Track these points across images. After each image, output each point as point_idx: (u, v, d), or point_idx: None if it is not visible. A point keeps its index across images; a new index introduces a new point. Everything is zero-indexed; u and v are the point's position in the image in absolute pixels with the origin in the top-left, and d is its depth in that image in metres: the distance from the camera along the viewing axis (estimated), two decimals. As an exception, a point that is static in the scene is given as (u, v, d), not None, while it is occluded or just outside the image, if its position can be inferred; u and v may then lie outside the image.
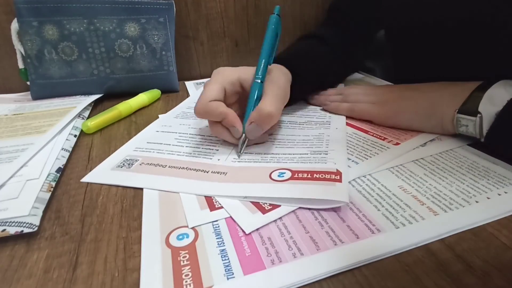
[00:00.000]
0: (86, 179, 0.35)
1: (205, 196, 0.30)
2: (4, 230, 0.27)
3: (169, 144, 0.40)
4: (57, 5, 0.52)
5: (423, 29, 0.43)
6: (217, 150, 0.38)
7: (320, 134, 0.40)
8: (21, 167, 0.35)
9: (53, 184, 0.33)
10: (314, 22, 0.73)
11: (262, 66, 0.37)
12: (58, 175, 0.35)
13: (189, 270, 0.23)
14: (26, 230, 0.27)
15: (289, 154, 0.36)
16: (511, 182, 0.30)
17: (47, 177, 0.33)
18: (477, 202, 0.28)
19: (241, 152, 0.36)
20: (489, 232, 0.25)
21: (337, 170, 0.31)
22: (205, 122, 0.44)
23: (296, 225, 0.27)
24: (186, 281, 0.22)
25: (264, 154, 0.36)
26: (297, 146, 0.38)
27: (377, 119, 0.42)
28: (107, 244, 0.26)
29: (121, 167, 0.36)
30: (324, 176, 0.30)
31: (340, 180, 0.30)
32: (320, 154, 0.35)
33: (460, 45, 0.40)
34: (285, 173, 0.32)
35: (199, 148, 0.38)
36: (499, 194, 0.29)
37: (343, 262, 0.23)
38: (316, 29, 0.60)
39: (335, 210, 0.28)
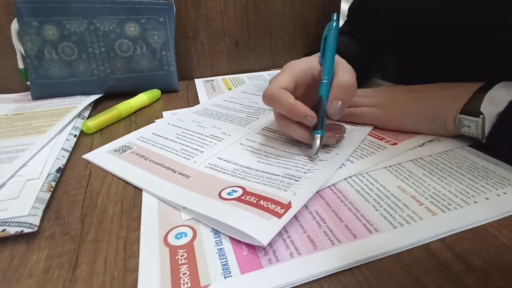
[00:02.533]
0: (87, 156, 0.39)
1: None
2: (4, 230, 0.27)
3: (167, 139, 0.41)
4: (57, 5, 0.53)
5: (427, 30, 0.43)
6: (202, 152, 0.38)
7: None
8: (21, 167, 0.35)
9: (53, 184, 0.33)
10: (314, 22, 0.73)
11: (328, 68, 0.36)
12: (58, 175, 0.35)
13: (187, 268, 0.23)
14: (26, 230, 0.27)
15: (262, 171, 0.33)
16: (510, 183, 0.30)
17: (47, 177, 0.33)
18: (475, 202, 0.28)
19: (319, 150, 0.33)
20: (489, 232, 0.25)
21: (289, 202, 0.28)
22: (216, 122, 0.45)
23: (294, 224, 0.27)
24: (183, 280, 0.23)
25: (240, 166, 0.35)
26: (277, 164, 0.34)
27: (379, 123, 0.41)
28: (107, 244, 0.26)
29: (116, 151, 0.39)
30: (269, 205, 0.28)
31: (281, 215, 0.26)
32: (290, 179, 0.31)
33: (463, 46, 0.40)
34: (237, 191, 0.30)
35: (188, 147, 0.39)
36: (498, 195, 0.29)
37: (340, 261, 0.23)
38: (341, 27, 0.60)
39: (333, 209, 0.28)
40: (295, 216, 0.28)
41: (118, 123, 0.48)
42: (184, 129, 0.44)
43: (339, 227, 0.26)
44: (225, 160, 0.36)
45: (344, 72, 0.36)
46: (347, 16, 0.63)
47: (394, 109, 0.41)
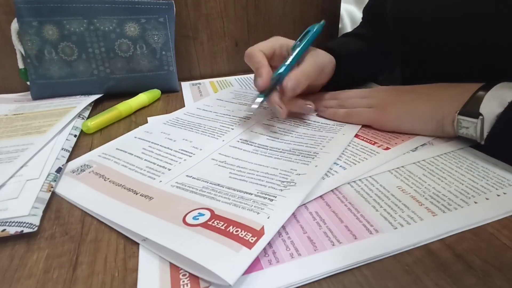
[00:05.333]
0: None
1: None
2: (4, 230, 0.27)
3: (132, 154, 0.38)
4: (57, 5, 0.52)
5: (433, 40, 0.42)
6: (169, 170, 0.34)
7: (305, 163, 0.34)
8: (21, 167, 0.35)
9: (53, 184, 0.33)
10: (314, 22, 0.72)
11: (295, 54, 0.43)
12: (58, 175, 0.35)
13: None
14: (26, 230, 0.27)
15: (233, 189, 0.30)
16: (510, 183, 0.30)
17: (47, 177, 0.33)
18: (475, 202, 0.28)
19: (255, 110, 0.39)
20: (489, 232, 0.25)
21: (262, 228, 0.25)
22: (187, 134, 0.42)
23: (294, 225, 0.27)
24: (183, 281, 0.23)
25: (210, 183, 0.32)
26: (251, 180, 0.32)
27: (376, 124, 0.41)
28: (107, 244, 0.26)
29: (73, 172, 0.35)
30: (239, 232, 0.25)
31: (252, 245, 0.23)
32: (264, 198, 0.29)
33: (469, 62, 0.39)
34: (203, 215, 0.27)
35: (155, 164, 0.35)
36: (498, 195, 0.29)
37: (341, 262, 0.23)
38: (355, 29, 0.63)
39: (333, 210, 0.28)
40: (295, 216, 0.28)
41: (118, 123, 0.48)
42: (152, 143, 0.40)
43: (339, 228, 0.26)
44: (194, 178, 0.33)
45: (308, 63, 0.43)
46: (362, 17, 0.64)
47: (392, 110, 0.40)
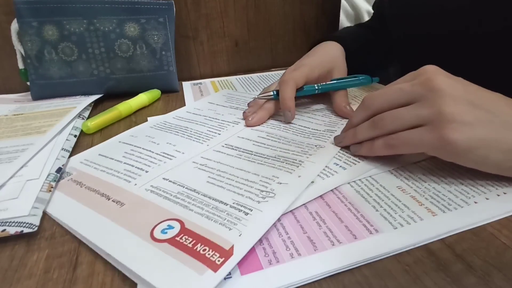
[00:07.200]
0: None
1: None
2: (4, 230, 0.27)
3: (112, 159, 0.37)
4: (57, 5, 0.52)
5: (433, 39, 0.42)
6: (147, 172, 0.33)
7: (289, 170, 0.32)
8: (21, 167, 0.35)
9: (53, 184, 0.33)
10: (314, 22, 0.73)
11: (327, 86, 0.46)
12: (58, 175, 0.35)
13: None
14: (26, 230, 0.27)
15: (209, 197, 0.29)
16: (510, 183, 0.30)
17: (47, 177, 0.33)
18: (475, 202, 0.28)
19: (259, 99, 0.44)
20: (489, 232, 0.25)
21: (231, 247, 0.23)
22: (172, 138, 0.41)
23: (294, 225, 0.27)
24: None
25: (186, 188, 0.30)
26: (229, 188, 0.30)
27: (439, 155, 0.29)
28: (106, 244, 0.26)
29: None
30: (206, 251, 0.23)
31: (218, 267, 0.22)
32: (239, 210, 0.27)
33: (471, 56, 0.38)
34: (173, 228, 0.26)
35: (133, 166, 0.35)
36: (498, 195, 0.29)
37: (341, 262, 0.23)
38: (366, 21, 0.65)
39: (333, 210, 0.28)
40: (294, 216, 0.28)
41: (118, 123, 0.49)
42: (135, 146, 0.39)
43: (339, 228, 0.26)
44: (170, 181, 0.32)
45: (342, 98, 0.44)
46: (373, 12, 0.65)
47: (463, 132, 0.26)
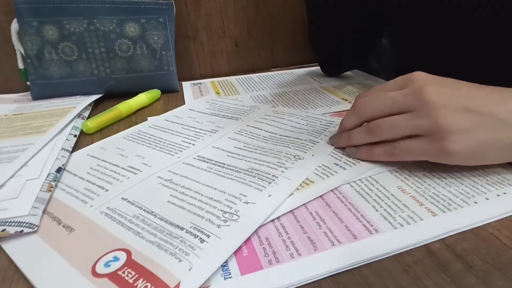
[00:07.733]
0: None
1: None
2: (4, 230, 0.27)
3: (76, 176, 0.34)
4: (57, 5, 0.53)
5: (430, 26, 0.41)
6: (106, 191, 0.31)
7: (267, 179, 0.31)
8: (21, 167, 0.35)
9: (53, 184, 0.33)
10: (314, 22, 0.73)
11: None
12: (58, 175, 0.35)
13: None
14: (26, 230, 0.27)
15: (165, 221, 0.26)
16: (510, 183, 0.30)
17: (47, 177, 0.33)
18: (475, 202, 0.28)
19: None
20: (489, 232, 0.25)
21: (177, 284, 0.21)
22: (142, 150, 0.38)
23: (294, 225, 0.27)
24: None
25: (143, 209, 0.28)
26: (190, 207, 0.28)
27: (439, 160, 0.29)
28: (106, 244, 0.26)
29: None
30: None
31: None
32: (196, 237, 0.25)
33: (468, 44, 0.37)
34: (118, 259, 0.23)
35: (94, 185, 0.32)
36: (498, 195, 0.29)
37: (341, 262, 0.23)
38: None
39: (333, 210, 0.28)
40: (294, 216, 0.28)
41: (118, 123, 0.49)
42: (102, 160, 0.36)
43: (339, 228, 0.26)
44: (128, 202, 0.29)
45: None
46: None
47: (461, 140, 0.27)
